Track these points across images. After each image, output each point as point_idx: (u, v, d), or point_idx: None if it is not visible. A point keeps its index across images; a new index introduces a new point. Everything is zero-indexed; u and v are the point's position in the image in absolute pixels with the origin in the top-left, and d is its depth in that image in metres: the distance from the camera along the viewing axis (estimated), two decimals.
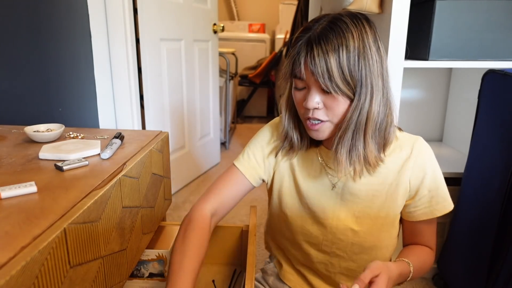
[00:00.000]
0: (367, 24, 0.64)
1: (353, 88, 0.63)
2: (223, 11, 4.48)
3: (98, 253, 0.59)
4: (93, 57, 1.55)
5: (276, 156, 0.81)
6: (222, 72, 2.96)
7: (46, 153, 0.75)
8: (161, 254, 0.87)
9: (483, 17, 1.20)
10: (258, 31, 4.34)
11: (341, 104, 0.64)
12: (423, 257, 0.75)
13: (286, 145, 0.77)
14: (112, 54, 1.64)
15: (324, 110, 0.66)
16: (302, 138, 0.76)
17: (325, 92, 0.64)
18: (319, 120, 0.66)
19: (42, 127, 0.90)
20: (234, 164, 0.82)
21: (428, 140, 1.76)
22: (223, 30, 2.55)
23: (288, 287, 0.89)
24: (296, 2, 3.51)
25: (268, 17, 4.49)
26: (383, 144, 0.69)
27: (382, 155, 0.70)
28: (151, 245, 0.91)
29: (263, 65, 3.75)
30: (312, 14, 1.81)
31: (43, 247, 0.44)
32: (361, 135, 0.65)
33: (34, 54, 1.24)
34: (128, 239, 0.71)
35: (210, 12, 2.37)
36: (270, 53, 4.10)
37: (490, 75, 1.17)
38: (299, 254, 0.84)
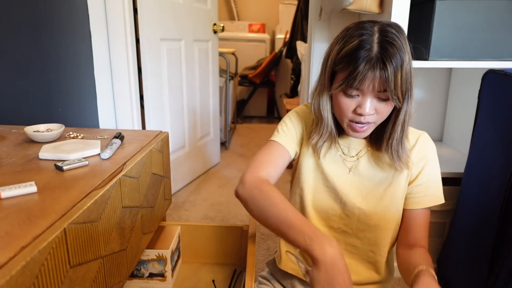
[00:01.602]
0: (403, 33, 0.69)
1: (404, 96, 0.69)
2: (223, 11, 4.48)
3: (98, 253, 0.59)
4: (93, 57, 1.55)
5: (306, 140, 0.84)
6: (222, 72, 2.96)
7: (46, 153, 0.75)
8: (161, 254, 0.87)
9: (483, 17, 1.20)
10: (258, 31, 4.34)
11: (389, 108, 0.71)
12: (430, 261, 0.77)
13: (322, 139, 0.80)
14: (112, 54, 1.64)
15: (374, 115, 0.71)
16: (333, 129, 0.81)
17: (381, 99, 0.69)
18: (369, 123, 0.72)
19: (42, 127, 0.90)
20: (272, 140, 0.84)
21: None
22: (223, 30, 2.55)
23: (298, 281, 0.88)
24: (296, 2, 3.51)
25: (268, 17, 4.49)
26: (406, 136, 0.77)
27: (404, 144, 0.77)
28: (151, 245, 0.91)
29: (263, 65, 3.75)
30: (312, 14, 1.81)
31: (43, 247, 0.44)
32: (403, 131, 0.74)
33: (34, 54, 1.24)
34: (128, 239, 0.71)
35: (210, 12, 2.37)
36: (270, 53, 4.10)
37: (490, 75, 1.17)
38: None
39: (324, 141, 0.80)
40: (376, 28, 0.67)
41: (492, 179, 1.10)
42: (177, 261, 0.98)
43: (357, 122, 0.72)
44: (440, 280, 1.38)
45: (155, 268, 0.89)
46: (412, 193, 0.80)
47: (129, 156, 0.78)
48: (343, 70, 0.68)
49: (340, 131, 0.81)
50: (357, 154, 0.81)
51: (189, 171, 2.37)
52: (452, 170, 1.37)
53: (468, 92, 1.56)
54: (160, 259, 0.88)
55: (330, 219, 0.84)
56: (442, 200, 0.80)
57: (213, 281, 0.97)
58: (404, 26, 1.18)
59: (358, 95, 0.70)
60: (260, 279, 0.95)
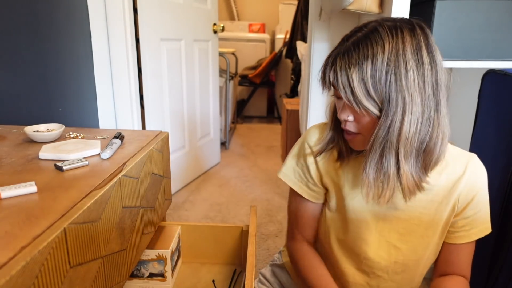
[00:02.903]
0: (410, 34, 0.58)
1: (380, 105, 0.58)
2: (223, 11, 4.48)
3: (98, 253, 0.59)
4: (93, 57, 1.55)
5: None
6: (222, 72, 2.96)
7: (46, 153, 0.75)
8: (161, 254, 0.87)
9: (483, 17, 1.20)
10: (258, 31, 4.34)
11: (369, 120, 0.61)
12: None
13: (329, 147, 0.72)
14: (112, 54, 1.64)
15: (354, 124, 0.63)
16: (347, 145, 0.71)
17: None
18: (351, 132, 0.64)
19: (42, 127, 0.90)
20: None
21: None
22: (223, 30, 2.55)
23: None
24: (296, 2, 3.51)
25: (268, 17, 4.49)
26: (429, 165, 0.63)
27: (426, 176, 0.64)
28: (151, 245, 0.91)
29: (263, 65, 3.75)
30: (312, 14, 1.81)
31: (43, 247, 0.44)
32: (392, 156, 0.59)
33: (34, 54, 1.24)
34: (128, 239, 0.71)
35: (210, 12, 2.37)
36: (270, 53, 4.10)
37: (490, 75, 1.17)
38: (334, 271, 0.78)
39: (340, 154, 0.72)
40: (375, 24, 0.61)
41: (492, 179, 1.10)
42: (177, 261, 0.99)
43: (346, 131, 0.66)
44: None
45: (155, 268, 0.89)
46: (457, 227, 0.70)
47: (129, 156, 0.78)
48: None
49: None
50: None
51: (189, 171, 2.37)
52: None
53: (468, 92, 1.56)
54: (160, 259, 0.88)
55: (361, 262, 0.73)
56: (489, 230, 0.71)
57: (213, 281, 0.97)
58: None
59: (339, 98, 0.63)
60: (260, 277, 0.95)
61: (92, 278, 0.57)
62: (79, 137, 0.91)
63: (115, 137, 0.85)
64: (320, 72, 0.64)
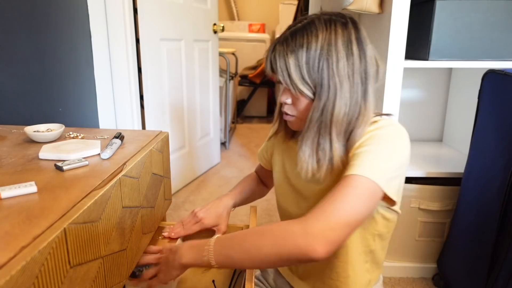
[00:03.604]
0: (342, 27, 0.66)
1: (313, 89, 0.66)
2: (223, 11, 4.48)
3: (98, 253, 0.59)
4: (93, 57, 1.55)
5: (269, 139, 0.91)
6: (222, 72, 2.96)
7: (46, 153, 0.75)
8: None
9: (483, 17, 1.20)
10: (258, 31, 4.34)
11: (304, 103, 0.68)
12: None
13: (281, 129, 0.82)
14: (112, 54, 1.64)
15: (292, 106, 0.70)
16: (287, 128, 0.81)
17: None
18: (288, 115, 0.71)
19: (42, 127, 0.90)
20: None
21: (428, 140, 1.77)
22: (223, 30, 2.55)
23: (286, 281, 0.89)
24: (296, 2, 3.51)
25: (268, 17, 4.49)
26: (352, 144, 0.68)
27: (347, 153, 0.68)
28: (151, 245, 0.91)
29: (263, 65, 3.74)
30: None
31: (43, 247, 0.44)
32: (326, 135, 0.66)
33: (34, 54, 1.24)
34: (128, 239, 0.71)
35: (210, 12, 2.37)
36: None
37: (490, 75, 1.17)
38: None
39: (286, 132, 0.81)
40: (312, 17, 0.67)
41: (492, 179, 1.10)
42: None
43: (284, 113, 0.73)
44: (440, 280, 1.38)
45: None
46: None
47: (129, 156, 0.78)
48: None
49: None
50: None
51: (189, 171, 2.37)
52: (452, 170, 1.37)
53: (468, 92, 1.56)
54: None
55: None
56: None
57: (213, 281, 0.97)
58: (404, 26, 1.18)
59: (280, 82, 0.70)
60: (260, 277, 0.96)
61: (92, 278, 0.57)
62: (79, 137, 0.91)
63: (115, 137, 0.85)
64: (264, 58, 0.71)
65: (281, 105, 0.73)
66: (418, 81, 1.70)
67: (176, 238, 0.90)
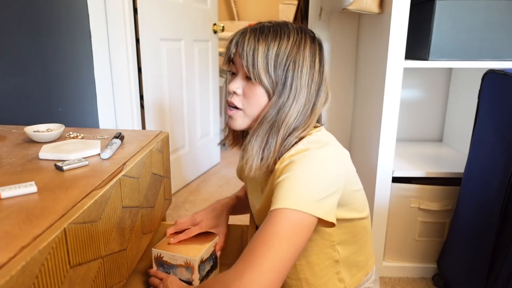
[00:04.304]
0: (310, 40, 0.69)
1: (274, 85, 0.66)
2: (223, 11, 4.48)
3: (98, 253, 0.59)
4: (93, 57, 1.55)
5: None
6: (222, 72, 2.96)
7: (46, 153, 0.75)
8: (188, 262, 0.80)
9: (483, 17, 1.20)
10: None
11: (258, 96, 0.67)
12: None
13: (229, 136, 0.82)
14: (112, 54, 1.64)
15: (241, 98, 0.69)
16: (233, 134, 0.81)
17: (247, 79, 0.68)
18: (234, 106, 0.70)
19: (42, 127, 0.90)
20: None
21: (428, 140, 1.77)
22: (223, 30, 2.55)
23: None
24: (296, 2, 3.50)
25: (268, 17, 4.43)
26: (285, 150, 0.68)
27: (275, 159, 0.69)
28: (151, 245, 0.91)
29: None
30: (312, 14, 1.81)
31: (43, 247, 0.44)
32: (275, 134, 0.67)
33: (34, 54, 1.24)
34: (128, 239, 0.71)
35: (210, 12, 2.37)
36: None
37: (490, 75, 1.17)
38: None
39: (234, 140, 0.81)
40: (281, 21, 0.70)
41: (492, 179, 1.10)
42: (210, 271, 0.88)
43: (229, 105, 0.71)
44: (440, 280, 1.38)
45: (183, 274, 0.82)
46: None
47: (129, 156, 0.78)
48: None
49: None
50: None
51: (189, 171, 2.37)
52: (452, 170, 1.37)
53: (468, 92, 1.56)
54: (188, 266, 0.81)
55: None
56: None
57: None
58: (404, 26, 1.18)
59: (235, 73, 0.71)
60: None
61: (92, 278, 0.57)
62: (79, 137, 0.91)
63: (115, 137, 0.85)
64: (227, 43, 0.71)
65: (228, 103, 0.72)
66: (418, 81, 1.70)
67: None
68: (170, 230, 0.90)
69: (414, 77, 1.69)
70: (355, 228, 0.75)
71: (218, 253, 0.90)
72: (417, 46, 1.28)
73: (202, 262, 0.82)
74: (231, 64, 0.72)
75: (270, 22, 0.70)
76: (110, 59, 1.64)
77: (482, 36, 1.21)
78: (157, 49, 1.90)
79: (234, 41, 0.69)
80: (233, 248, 1.02)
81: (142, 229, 0.80)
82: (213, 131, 2.62)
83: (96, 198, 0.58)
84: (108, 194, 0.62)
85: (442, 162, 1.49)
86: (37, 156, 0.76)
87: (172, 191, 2.17)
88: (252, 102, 0.68)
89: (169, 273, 0.84)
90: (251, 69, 0.65)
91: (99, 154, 0.78)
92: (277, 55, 0.65)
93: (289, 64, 0.66)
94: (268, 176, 0.72)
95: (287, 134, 0.67)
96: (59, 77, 1.37)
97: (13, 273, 0.39)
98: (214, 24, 2.43)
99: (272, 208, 0.59)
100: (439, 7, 1.19)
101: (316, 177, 0.61)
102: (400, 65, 1.21)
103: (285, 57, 0.65)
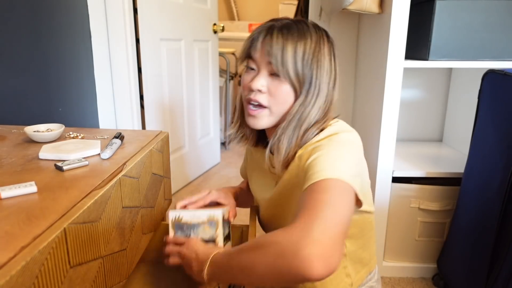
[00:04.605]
0: (326, 37, 0.71)
1: (301, 83, 0.67)
2: (223, 11, 4.48)
3: (98, 253, 0.59)
4: (93, 57, 1.55)
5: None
6: (222, 72, 2.96)
7: (46, 153, 0.75)
8: (212, 216, 0.75)
9: (482, 17, 1.20)
10: None
11: (286, 93, 0.68)
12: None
13: (238, 135, 0.82)
14: (112, 54, 1.64)
15: (267, 96, 0.69)
16: (251, 132, 0.81)
17: (273, 76, 0.68)
18: (259, 104, 0.69)
19: (42, 127, 0.90)
20: None
21: (428, 140, 1.77)
22: (223, 30, 2.55)
23: None
24: (296, 2, 3.50)
25: (268, 17, 4.41)
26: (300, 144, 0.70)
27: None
28: (151, 245, 0.91)
29: None
30: (312, 14, 1.81)
31: (43, 247, 0.44)
32: (299, 129, 0.69)
33: (34, 54, 1.24)
34: (128, 239, 0.71)
35: (210, 12, 2.37)
36: None
37: (490, 75, 1.17)
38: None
39: (244, 137, 0.82)
40: (295, 18, 0.70)
41: (492, 179, 1.10)
42: (227, 238, 0.82)
43: (250, 102, 0.70)
44: (440, 280, 1.38)
45: (206, 232, 0.75)
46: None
47: (129, 156, 0.78)
48: (249, 37, 0.72)
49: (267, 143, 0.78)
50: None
51: (189, 171, 2.37)
52: (452, 170, 1.37)
53: (468, 92, 1.56)
54: (211, 221, 0.75)
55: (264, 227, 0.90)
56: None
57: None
58: (404, 26, 1.18)
59: (255, 69, 0.70)
60: None
61: (92, 278, 0.57)
62: (79, 137, 0.91)
63: (115, 137, 0.85)
64: (249, 39, 0.71)
65: (245, 101, 0.72)
66: (418, 81, 1.70)
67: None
68: (180, 203, 0.84)
69: (414, 77, 1.69)
70: (364, 222, 0.76)
71: (232, 219, 0.86)
72: (417, 46, 1.28)
73: (224, 221, 0.77)
74: (249, 60, 0.71)
75: (288, 19, 0.70)
76: (110, 59, 1.64)
77: (482, 36, 1.21)
78: (157, 49, 1.90)
79: (259, 39, 0.69)
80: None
81: (142, 229, 0.80)
82: (213, 131, 2.62)
83: (96, 198, 0.58)
84: (108, 194, 0.62)
85: (442, 162, 1.49)
86: (37, 156, 0.76)
87: (172, 191, 2.17)
88: (280, 100, 0.69)
89: (189, 237, 0.76)
90: (280, 68, 0.66)
91: (99, 154, 0.78)
92: (303, 54, 0.66)
93: (313, 63, 0.67)
94: (285, 168, 0.72)
95: (309, 127, 0.69)
96: (59, 77, 1.37)
97: (13, 273, 0.39)
98: (214, 24, 2.43)
99: (310, 182, 0.58)
100: (439, 7, 1.19)
101: (346, 156, 0.63)
102: (400, 65, 1.21)
103: (311, 55, 0.67)
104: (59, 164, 0.69)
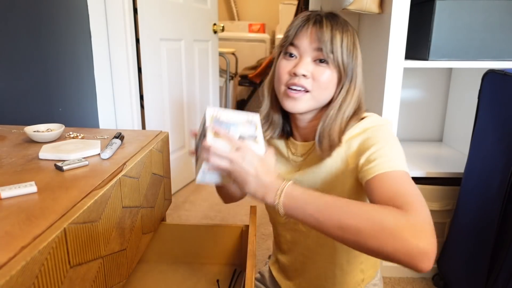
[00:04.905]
0: (353, 28, 0.73)
1: (345, 71, 0.70)
2: (223, 11, 4.48)
3: (98, 253, 0.59)
4: (93, 57, 1.55)
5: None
6: (222, 72, 2.96)
7: (46, 153, 0.75)
8: (251, 118, 0.70)
9: (482, 17, 1.20)
10: (258, 31, 4.34)
11: (329, 80, 0.69)
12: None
13: (266, 125, 0.81)
14: (112, 54, 1.64)
15: (311, 81, 0.69)
16: (280, 122, 0.81)
17: (316, 63, 0.69)
18: (303, 88, 0.69)
19: (42, 127, 0.90)
20: None
21: (428, 140, 1.77)
22: (223, 30, 2.55)
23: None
24: (296, 2, 3.51)
25: (268, 17, 4.48)
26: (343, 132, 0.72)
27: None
28: (151, 245, 0.91)
29: (263, 65, 3.75)
30: None
31: (43, 247, 0.44)
32: (342, 117, 0.71)
33: (34, 54, 1.24)
34: (128, 239, 0.71)
35: (210, 12, 2.37)
36: (270, 53, 4.09)
37: (490, 75, 1.17)
38: (277, 238, 0.90)
39: (275, 136, 0.81)
40: (326, 11, 0.73)
41: (492, 179, 1.10)
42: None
43: (291, 87, 0.69)
44: (440, 280, 1.38)
45: (246, 129, 0.69)
46: (363, 168, 0.65)
47: (129, 156, 0.78)
48: (285, 34, 0.72)
49: (288, 133, 0.81)
50: (304, 154, 0.78)
51: (189, 171, 2.37)
52: (452, 170, 1.37)
53: (468, 92, 1.56)
54: (250, 122, 0.70)
55: (287, 222, 0.83)
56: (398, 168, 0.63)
57: (218, 280, 0.97)
58: (404, 26, 1.18)
59: (296, 56, 0.71)
60: (256, 282, 0.96)
61: (92, 278, 0.57)
62: (79, 137, 0.91)
63: (115, 137, 0.85)
64: (296, 25, 0.71)
65: (283, 85, 0.71)
66: (418, 81, 1.70)
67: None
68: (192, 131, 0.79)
69: (414, 77, 1.69)
70: None
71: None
72: (417, 46, 1.28)
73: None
74: (289, 47, 0.71)
75: (329, 11, 0.73)
76: (110, 59, 1.64)
77: (482, 36, 1.21)
78: (157, 49, 1.90)
79: (307, 26, 0.69)
80: (233, 248, 1.02)
81: (142, 229, 0.80)
82: None
83: (96, 198, 0.58)
84: (108, 194, 0.62)
85: (442, 162, 1.49)
86: (37, 156, 0.76)
87: (172, 191, 2.17)
88: (323, 85, 0.69)
89: (228, 131, 0.68)
90: (330, 55, 0.67)
91: (99, 154, 0.78)
92: (347, 43, 0.69)
93: (354, 53, 0.70)
94: (329, 151, 0.71)
95: (351, 115, 0.71)
96: (59, 77, 1.37)
97: (13, 273, 0.39)
98: (214, 24, 2.43)
99: (385, 170, 0.60)
100: (439, 7, 1.19)
101: (399, 146, 0.67)
102: (400, 65, 1.21)
103: (351, 46, 0.70)
104: (59, 164, 0.69)
